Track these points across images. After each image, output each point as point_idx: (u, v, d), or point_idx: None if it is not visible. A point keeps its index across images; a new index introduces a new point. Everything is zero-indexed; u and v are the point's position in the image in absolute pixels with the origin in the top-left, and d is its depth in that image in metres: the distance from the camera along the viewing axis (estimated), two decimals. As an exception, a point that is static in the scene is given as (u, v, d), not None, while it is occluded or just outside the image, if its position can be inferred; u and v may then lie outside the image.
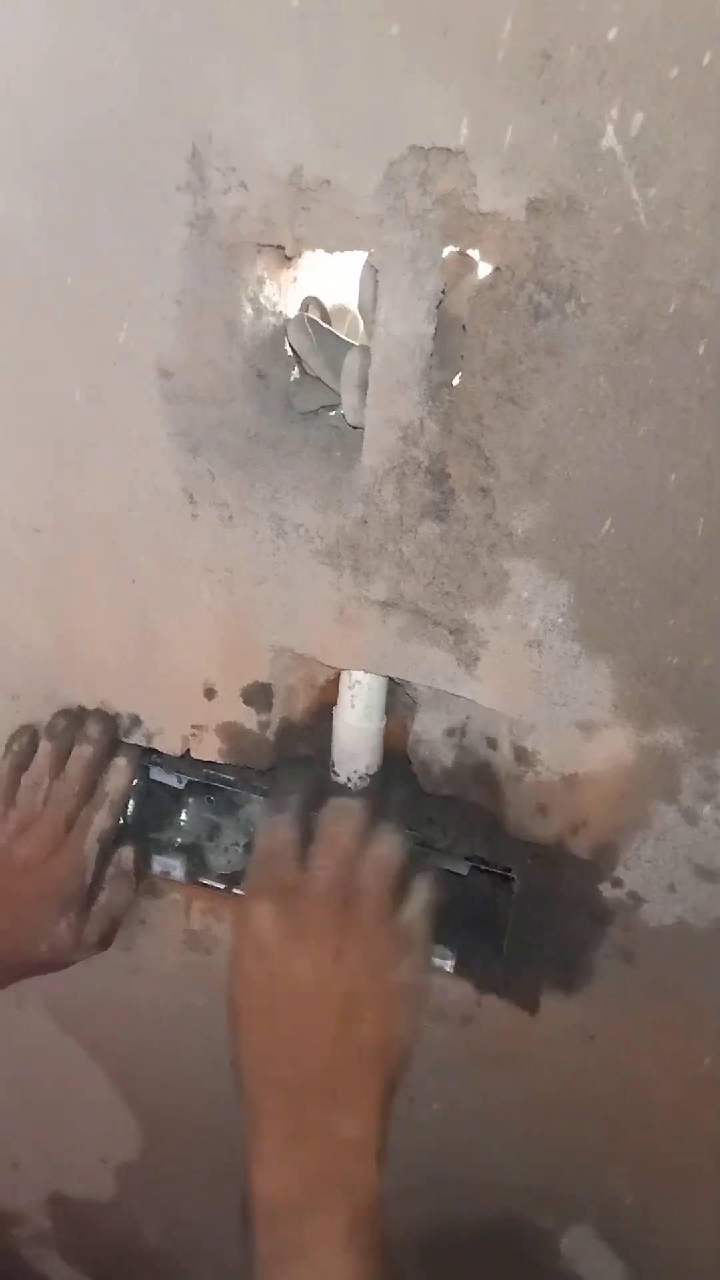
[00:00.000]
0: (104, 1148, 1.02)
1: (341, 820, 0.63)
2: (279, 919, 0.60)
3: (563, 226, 0.50)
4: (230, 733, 0.72)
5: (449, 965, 0.74)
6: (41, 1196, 1.11)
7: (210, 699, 0.71)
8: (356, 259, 0.63)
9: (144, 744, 0.75)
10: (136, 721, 0.75)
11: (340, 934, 0.59)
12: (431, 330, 0.56)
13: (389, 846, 0.63)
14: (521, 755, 0.64)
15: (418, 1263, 0.92)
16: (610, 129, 0.47)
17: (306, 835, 0.63)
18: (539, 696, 0.62)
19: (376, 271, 0.56)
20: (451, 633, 0.62)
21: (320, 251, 0.59)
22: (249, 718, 0.71)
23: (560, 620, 0.59)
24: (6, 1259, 1.22)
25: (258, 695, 0.70)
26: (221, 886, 0.80)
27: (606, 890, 0.66)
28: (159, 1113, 0.98)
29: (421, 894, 0.63)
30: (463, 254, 0.60)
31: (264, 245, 0.58)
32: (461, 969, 0.74)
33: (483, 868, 0.70)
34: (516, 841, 0.67)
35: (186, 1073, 0.92)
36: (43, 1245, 1.17)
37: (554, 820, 0.65)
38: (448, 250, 0.54)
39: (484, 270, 0.56)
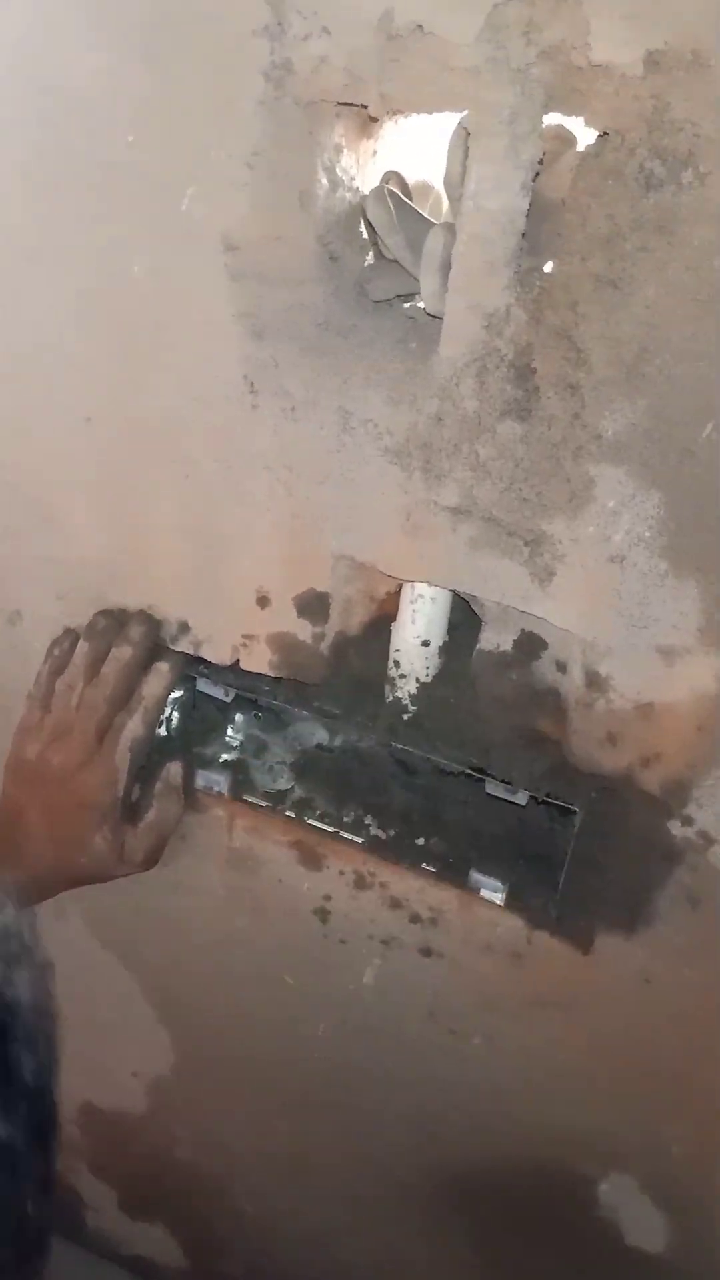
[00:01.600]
0: (136, 1062, 1.02)
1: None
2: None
3: (685, 83, 0.44)
4: (282, 644, 0.68)
5: (499, 898, 0.70)
6: (73, 1106, 1.11)
7: (263, 607, 0.67)
8: (444, 130, 0.57)
9: (191, 651, 0.72)
10: (185, 628, 0.71)
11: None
12: (526, 205, 0.51)
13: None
14: (594, 681, 0.60)
15: (454, 1201, 0.91)
16: (748, -32, 0.42)
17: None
18: (618, 617, 0.57)
19: (469, 137, 0.51)
20: (527, 544, 0.58)
21: (407, 115, 0.54)
22: (303, 629, 0.67)
23: (648, 534, 0.54)
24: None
25: (313, 605, 0.66)
26: (266, 804, 0.77)
27: (675, 829, 0.62)
28: (192, 1031, 0.96)
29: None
30: (559, 129, 0.55)
31: (345, 105, 0.53)
32: (513, 903, 0.70)
33: (543, 799, 0.66)
34: (581, 773, 0.63)
35: (222, 993, 0.90)
36: (74, 1156, 1.18)
37: (624, 752, 0.61)
38: (549, 117, 0.49)
39: (582, 146, 0.51)
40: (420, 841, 0.74)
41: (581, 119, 0.49)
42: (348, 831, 0.74)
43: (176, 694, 0.78)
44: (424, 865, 0.73)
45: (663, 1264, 0.82)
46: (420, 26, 0.48)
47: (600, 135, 0.48)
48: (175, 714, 0.80)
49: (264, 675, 0.71)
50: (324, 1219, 1.00)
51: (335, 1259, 1.02)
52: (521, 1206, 0.86)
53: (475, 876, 0.71)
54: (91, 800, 0.70)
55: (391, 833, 0.74)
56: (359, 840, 0.74)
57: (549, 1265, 0.89)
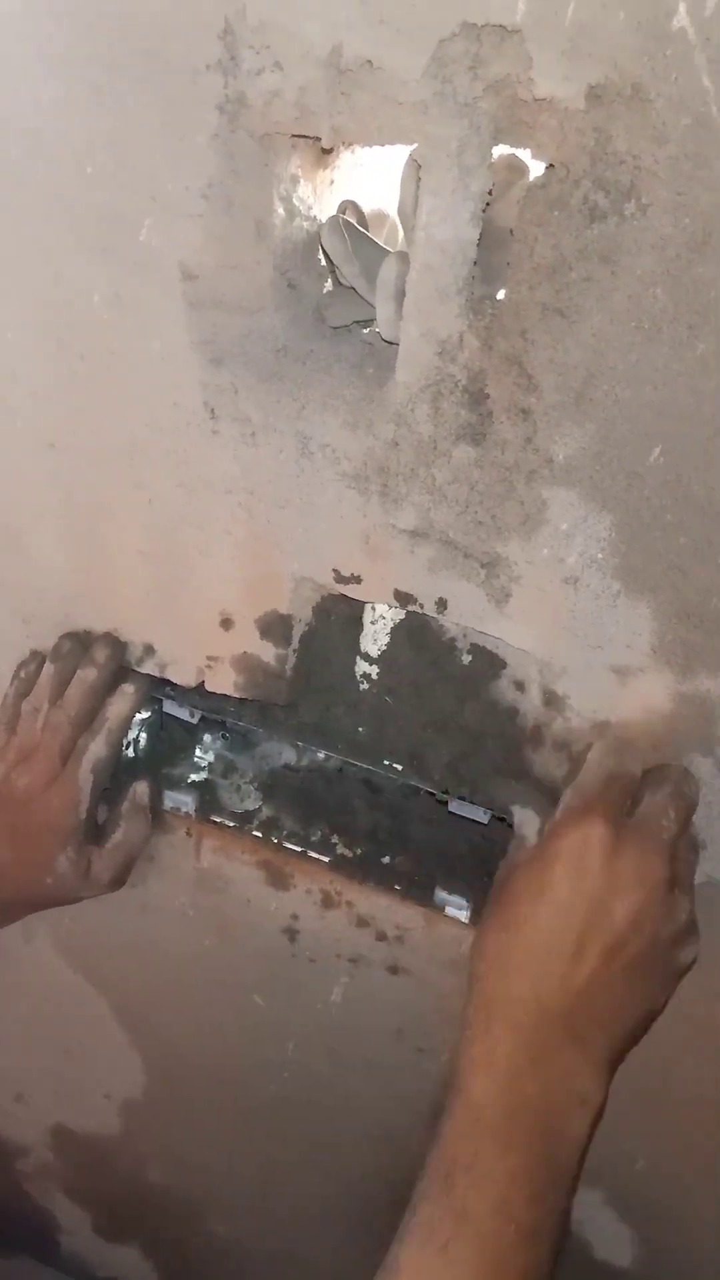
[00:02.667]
0: (108, 1084, 1.01)
1: (688, 785, 0.59)
2: (612, 847, 0.55)
3: (626, 117, 0.45)
4: (246, 665, 0.69)
5: (464, 915, 0.71)
6: (45, 1129, 1.11)
7: (227, 629, 0.68)
8: (396, 161, 0.59)
9: (156, 673, 0.72)
10: (150, 650, 0.72)
11: (657, 891, 0.56)
12: (476, 235, 0.52)
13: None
14: (551, 699, 0.61)
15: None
16: (682, 7, 0.43)
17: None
18: (573, 638, 0.58)
19: (419, 169, 0.52)
20: (483, 566, 0.58)
21: (359, 146, 0.55)
22: (265, 650, 0.68)
23: (600, 555, 0.55)
24: (11, 1195, 1.22)
25: (276, 627, 0.66)
26: (233, 824, 0.77)
27: (634, 845, 0.62)
28: (163, 1052, 0.96)
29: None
30: (511, 159, 0.56)
31: (299, 137, 0.54)
32: (477, 920, 0.71)
33: (504, 818, 0.67)
34: (542, 790, 0.64)
35: (193, 1013, 0.90)
36: (47, 1179, 1.17)
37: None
38: (497, 150, 0.50)
39: (533, 175, 0.52)
40: (386, 860, 0.75)
41: (529, 151, 0.50)
42: (315, 850, 0.75)
43: (143, 715, 0.79)
44: (390, 884, 0.73)
45: (630, 1277, 0.82)
46: (369, 62, 0.49)
47: (547, 167, 0.49)
48: (142, 735, 0.80)
49: (229, 696, 0.71)
50: (294, 1237, 1.00)
51: (307, 1277, 1.02)
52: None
53: (440, 894, 0.71)
54: (55, 822, 0.71)
55: (358, 851, 0.75)
56: (326, 859, 0.75)
57: None
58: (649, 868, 0.55)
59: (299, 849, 0.75)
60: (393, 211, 0.65)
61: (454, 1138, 0.53)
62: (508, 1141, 0.52)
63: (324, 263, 0.62)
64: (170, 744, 0.82)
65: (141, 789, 0.76)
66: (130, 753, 0.79)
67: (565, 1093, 0.54)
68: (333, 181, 0.61)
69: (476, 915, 0.71)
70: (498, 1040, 0.55)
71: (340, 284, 0.63)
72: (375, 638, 0.66)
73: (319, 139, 0.53)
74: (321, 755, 0.79)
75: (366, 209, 0.63)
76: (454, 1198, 0.51)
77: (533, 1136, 0.53)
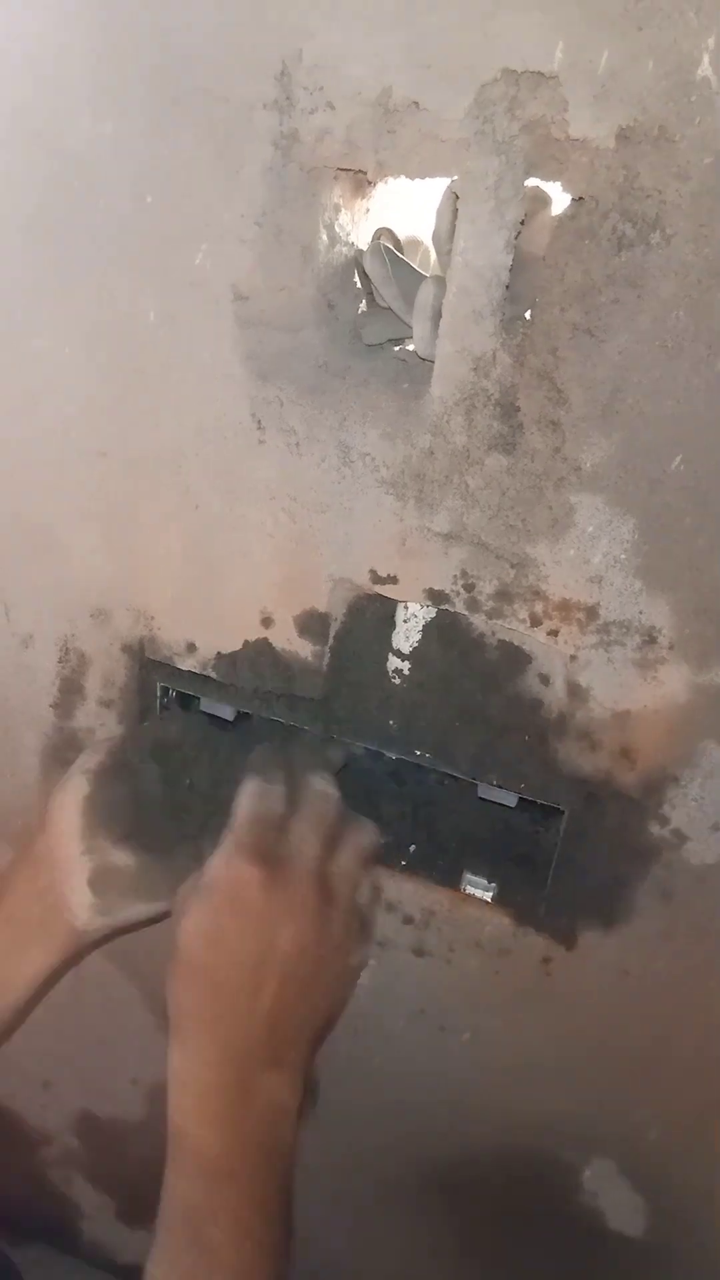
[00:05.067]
0: (135, 1070, 1.05)
1: (324, 801, 0.67)
2: (262, 884, 0.61)
3: (652, 155, 0.50)
4: (284, 661, 0.73)
5: (489, 896, 0.75)
6: (71, 1116, 1.14)
7: (267, 627, 0.72)
8: (430, 191, 0.63)
9: (198, 670, 0.76)
10: (191, 648, 0.76)
11: (310, 916, 0.62)
12: (509, 261, 0.56)
13: (365, 834, 0.69)
14: (575, 691, 0.65)
15: (438, 1192, 0.95)
16: (706, 58, 0.47)
17: (290, 808, 0.66)
18: (597, 633, 0.63)
19: (457, 200, 0.56)
20: (513, 567, 0.63)
21: (400, 178, 0.59)
22: (304, 647, 0.72)
23: (623, 556, 0.60)
24: (34, 1182, 1.25)
25: (314, 624, 0.71)
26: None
27: (652, 828, 0.67)
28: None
29: (373, 883, 0.69)
30: (536, 190, 0.60)
31: (343, 170, 0.58)
32: (501, 901, 0.75)
33: (532, 800, 0.71)
34: (566, 777, 0.68)
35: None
36: (70, 1167, 1.21)
37: (604, 757, 0.66)
38: (530, 181, 0.55)
39: (559, 206, 0.56)
40: (412, 847, 0.79)
41: (559, 184, 0.54)
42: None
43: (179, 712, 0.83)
44: (416, 868, 0.77)
45: (644, 1246, 0.86)
46: (416, 103, 0.53)
47: (575, 200, 0.54)
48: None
49: (266, 693, 0.75)
50: (313, 1217, 1.03)
51: (324, 1256, 1.05)
52: (505, 1196, 0.91)
53: (467, 876, 0.75)
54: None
55: (386, 839, 0.79)
56: (354, 846, 0.79)
57: (534, 1253, 0.93)
58: (302, 896, 0.62)
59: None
60: (425, 238, 0.70)
61: (184, 1184, 0.58)
62: (237, 1179, 0.58)
63: (360, 285, 0.67)
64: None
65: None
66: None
67: (273, 1112, 0.61)
68: (369, 210, 0.66)
69: (501, 896, 0.75)
70: (207, 1085, 0.60)
71: (374, 304, 0.68)
72: (407, 635, 0.70)
73: (363, 172, 0.58)
74: (351, 748, 0.83)
75: (400, 235, 0.68)
76: (201, 1239, 0.56)
77: (256, 1162, 0.59)
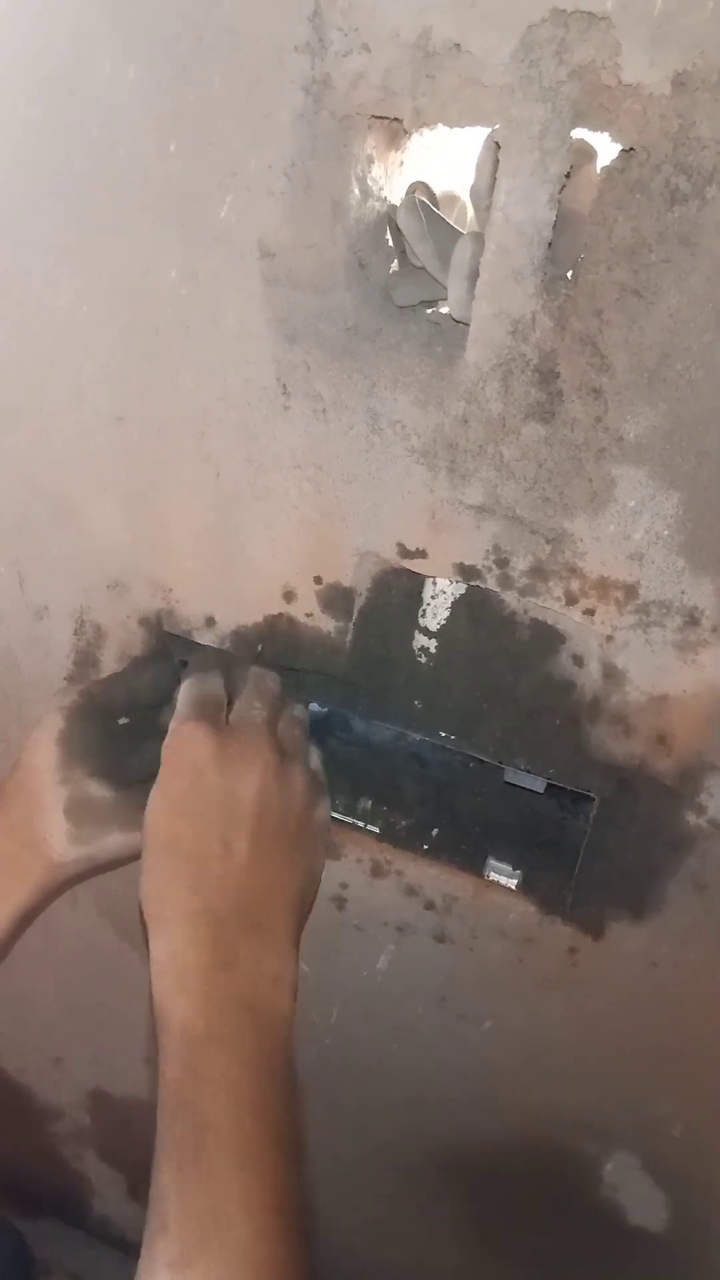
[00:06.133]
0: (147, 1048, 1.04)
1: (266, 679, 0.68)
2: (216, 744, 0.62)
3: (710, 104, 0.47)
4: (306, 637, 0.70)
5: (513, 883, 0.73)
6: (83, 1093, 1.13)
7: (289, 601, 0.69)
8: (468, 144, 0.60)
9: (217, 644, 0.74)
10: (211, 622, 0.73)
11: (269, 767, 0.63)
12: (553, 217, 0.53)
13: (300, 709, 0.70)
14: (611, 673, 0.62)
15: (456, 1181, 0.93)
16: (772, -5, 0.44)
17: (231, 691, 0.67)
18: (636, 613, 0.60)
19: (498, 151, 0.53)
20: (549, 542, 0.60)
21: (438, 129, 0.56)
22: (326, 622, 0.69)
23: (666, 533, 0.57)
24: (46, 1157, 1.25)
25: (338, 599, 0.68)
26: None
27: (688, 817, 0.64)
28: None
29: (317, 754, 0.70)
30: (580, 143, 0.57)
31: (378, 118, 0.55)
32: (526, 888, 0.73)
33: (560, 786, 0.68)
34: (597, 762, 0.65)
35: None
36: (81, 1143, 1.20)
37: (638, 743, 0.64)
38: (576, 132, 0.51)
39: (604, 160, 0.53)
40: (435, 831, 0.76)
41: (607, 135, 0.51)
42: (366, 821, 0.77)
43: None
44: (439, 853, 0.75)
45: (665, 1243, 0.84)
46: (457, 45, 0.50)
47: (625, 150, 0.50)
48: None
49: (287, 668, 0.73)
50: (326, 1200, 1.02)
51: (336, 1239, 1.04)
52: (525, 1187, 0.89)
53: (490, 862, 0.73)
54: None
55: (408, 822, 0.77)
56: (376, 830, 0.77)
57: (552, 1245, 0.92)
58: (255, 750, 0.63)
59: (350, 820, 0.77)
60: (463, 194, 0.66)
61: (174, 1060, 0.55)
62: (222, 1042, 0.55)
63: (391, 243, 0.64)
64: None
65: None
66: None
67: (260, 979, 0.58)
68: (403, 163, 0.62)
69: (526, 884, 0.72)
70: (186, 961, 0.57)
71: (407, 264, 0.65)
72: (435, 612, 0.67)
73: (399, 120, 0.55)
74: (373, 728, 0.81)
75: (436, 191, 0.65)
76: (193, 1113, 0.53)
77: (244, 1030, 0.56)
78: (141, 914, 0.61)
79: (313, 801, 0.66)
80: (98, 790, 0.69)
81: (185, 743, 0.62)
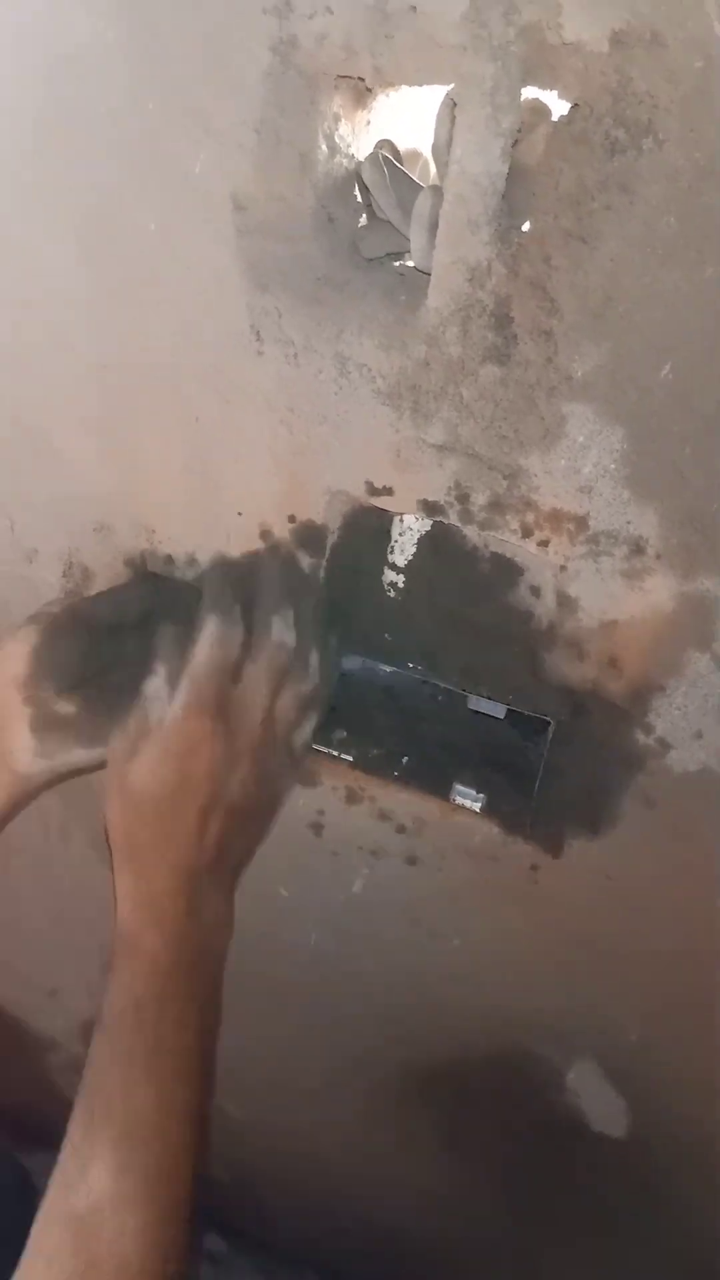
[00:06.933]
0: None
1: (280, 651, 0.71)
2: (222, 737, 0.68)
3: (644, 60, 0.51)
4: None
5: (477, 806, 0.77)
6: (76, 1023, 1.18)
7: (265, 540, 0.74)
8: (431, 102, 0.63)
9: (197, 582, 0.78)
10: (192, 561, 0.77)
11: (255, 755, 0.71)
12: (505, 169, 0.57)
13: (308, 684, 0.74)
14: (564, 602, 0.67)
15: (427, 1094, 0.98)
16: (699, -40, 0.48)
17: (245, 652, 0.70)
18: (586, 544, 0.64)
19: (455, 107, 0.57)
20: (505, 478, 0.64)
21: (400, 89, 0.60)
22: (302, 559, 0.73)
23: (612, 466, 0.61)
24: (41, 1088, 1.29)
25: (312, 537, 0.72)
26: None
27: (638, 736, 0.69)
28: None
29: (310, 726, 0.76)
30: (534, 102, 0.61)
31: (343, 78, 0.59)
32: (490, 810, 0.77)
33: (520, 712, 0.73)
34: (554, 687, 0.70)
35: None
36: (75, 1072, 1.24)
37: (590, 667, 0.68)
38: (527, 90, 0.55)
39: (555, 118, 0.57)
40: (405, 759, 0.81)
41: (555, 92, 0.55)
42: (340, 750, 0.81)
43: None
44: (409, 779, 0.80)
45: (626, 1147, 0.90)
46: (413, 7, 0.54)
47: (572, 106, 0.54)
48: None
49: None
50: (303, 1119, 1.08)
51: (314, 1156, 1.09)
52: (493, 1096, 0.94)
53: (456, 787, 0.78)
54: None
55: (380, 750, 0.81)
56: (350, 758, 0.81)
57: (518, 1152, 0.97)
58: (250, 743, 0.70)
59: (326, 749, 0.81)
60: (425, 151, 0.70)
61: (136, 981, 0.66)
62: (181, 973, 0.67)
63: (360, 198, 0.67)
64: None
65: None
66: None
67: (214, 924, 0.71)
68: (369, 122, 0.66)
69: (489, 806, 0.77)
70: (163, 906, 0.68)
71: (375, 218, 0.68)
72: (402, 549, 0.71)
73: (362, 79, 0.58)
74: (347, 661, 0.85)
75: (401, 148, 0.68)
76: (153, 1029, 0.64)
77: (199, 965, 0.69)
78: (107, 837, 0.70)
79: (283, 781, 0.77)
80: (64, 707, 0.72)
81: (191, 729, 0.68)
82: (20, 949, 1.14)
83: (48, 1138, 1.30)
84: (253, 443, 0.70)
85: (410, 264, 0.67)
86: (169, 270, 0.66)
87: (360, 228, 0.68)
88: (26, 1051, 1.24)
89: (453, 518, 0.68)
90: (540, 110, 0.61)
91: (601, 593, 0.66)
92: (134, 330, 0.70)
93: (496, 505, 0.66)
